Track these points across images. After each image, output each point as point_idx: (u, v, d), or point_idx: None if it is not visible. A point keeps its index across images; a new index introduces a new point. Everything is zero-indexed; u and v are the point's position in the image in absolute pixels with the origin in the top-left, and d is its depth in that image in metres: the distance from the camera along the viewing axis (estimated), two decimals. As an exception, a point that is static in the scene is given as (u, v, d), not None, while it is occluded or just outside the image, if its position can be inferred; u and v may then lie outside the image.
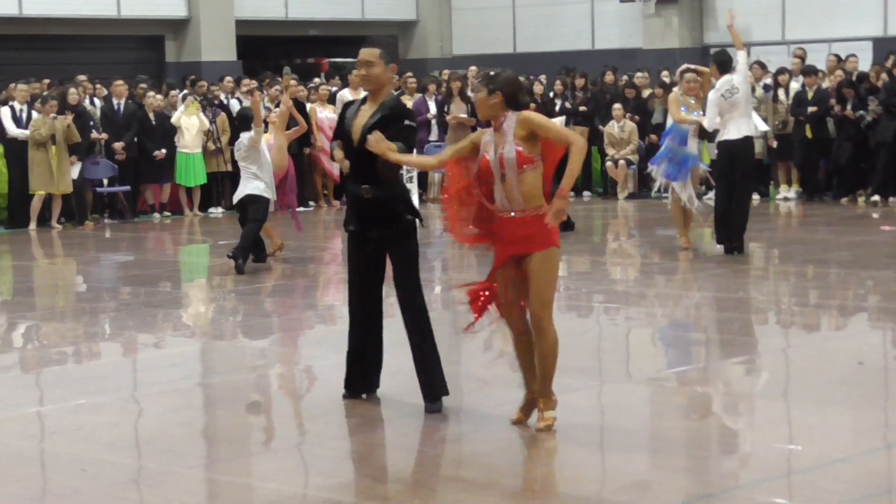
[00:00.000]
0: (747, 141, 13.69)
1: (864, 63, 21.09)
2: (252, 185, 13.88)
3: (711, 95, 13.59)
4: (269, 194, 14.00)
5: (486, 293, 7.37)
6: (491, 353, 9.59)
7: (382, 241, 7.72)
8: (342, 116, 7.88)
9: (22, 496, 6.37)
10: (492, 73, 7.25)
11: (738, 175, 13.54)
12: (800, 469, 6.54)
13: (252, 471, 6.82)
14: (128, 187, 19.78)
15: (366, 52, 7.59)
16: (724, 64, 13.71)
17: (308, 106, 20.48)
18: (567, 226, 16.21)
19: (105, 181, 19.58)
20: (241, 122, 14.35)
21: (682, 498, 6.13)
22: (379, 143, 7.34)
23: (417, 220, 7.73)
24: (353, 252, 7.87)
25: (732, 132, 13.50)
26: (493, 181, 7.15)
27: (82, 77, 20.34)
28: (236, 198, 14.18)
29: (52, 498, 6.47)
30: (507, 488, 6.40)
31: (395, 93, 7.70)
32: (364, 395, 8.00)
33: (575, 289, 12.61)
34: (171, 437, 7.33)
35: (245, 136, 13.98)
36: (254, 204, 13.86)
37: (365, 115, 7.65)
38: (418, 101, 21.21)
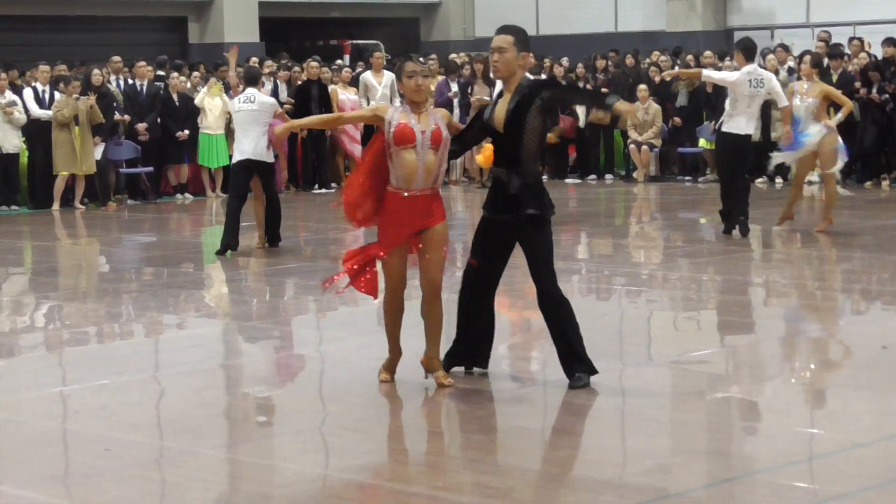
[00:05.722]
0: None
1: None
2: (262, 144, 13.46)
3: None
4: (270, 158, 13.75)
5: (366, 266, 7.81)
6: (505, 335, 9.58)
7: (510, 228, 7.71)
8: (479, 114, 7.99)
9: (45, 476, 6.39)
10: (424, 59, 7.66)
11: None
12: (822, 453, 6.53)
13: (274, 452, 6.84)
14: (151, 168, 19.84)
15: (499, 39, 7.68)
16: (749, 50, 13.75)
17: (330, 87, 20.50)
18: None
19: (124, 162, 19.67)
20: (249, 79, 13.86)
21: (703, 481, 6.12)
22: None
23: (545, 214, 7.67)
24: (480, 236, 7.86)
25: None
26: (392, 158, 7.58)
27: (116, 58, 20.37)
28: (242, 156, 13.57)
29: (76, 477, 6.50)
30: (528, 471, 6.40)
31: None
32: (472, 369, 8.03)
33: (596, 271, 12.59)
34: (193, 418, 7.35)
35: (276, 104, 13.72)
36: (264, 176, 13.68)
37: (505, 103, 7.68)
38: (441, 82, 21.21)
